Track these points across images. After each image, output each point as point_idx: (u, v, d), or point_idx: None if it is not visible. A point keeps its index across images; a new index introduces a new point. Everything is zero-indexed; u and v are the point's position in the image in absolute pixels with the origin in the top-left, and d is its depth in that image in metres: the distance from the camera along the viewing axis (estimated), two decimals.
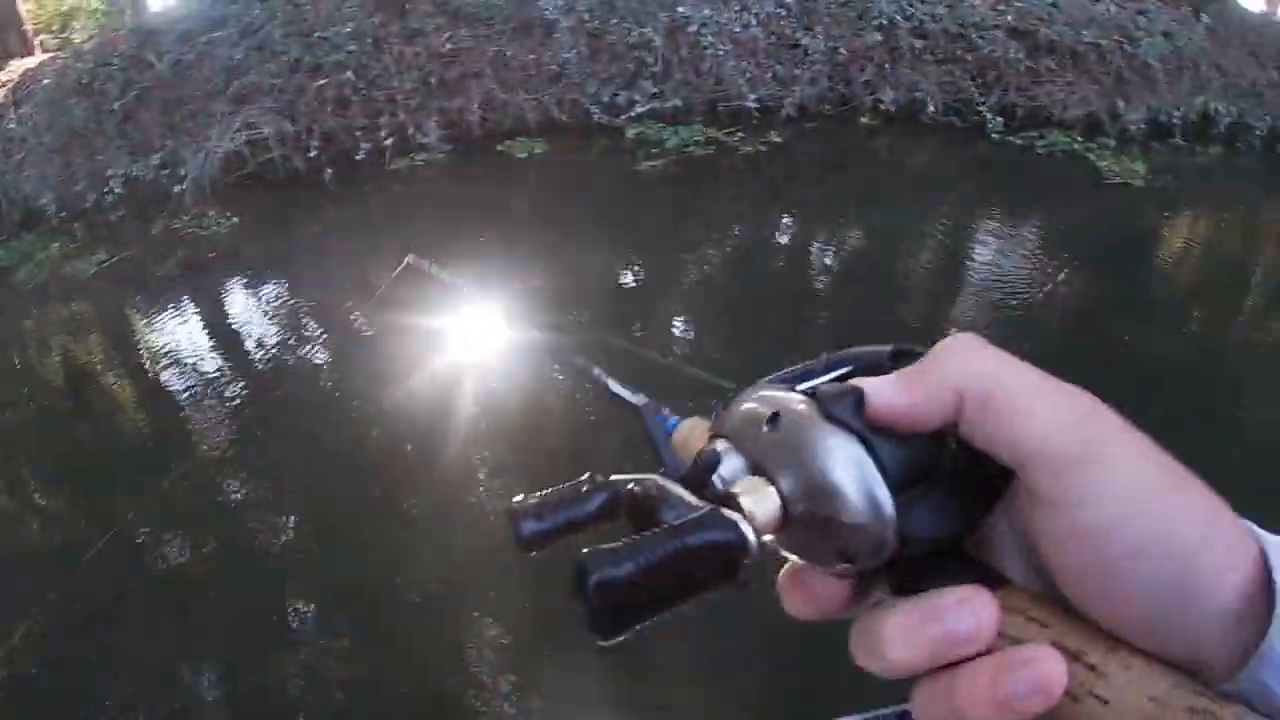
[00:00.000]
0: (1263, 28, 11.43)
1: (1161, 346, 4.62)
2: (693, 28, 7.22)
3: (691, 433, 0.52)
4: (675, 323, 4.42)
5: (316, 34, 7.16)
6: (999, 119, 7.65)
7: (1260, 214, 8.64)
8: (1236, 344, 5.18)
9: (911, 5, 7.85)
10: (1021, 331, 4.61)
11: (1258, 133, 10.43)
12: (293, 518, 3.26)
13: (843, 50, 7.35)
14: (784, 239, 5.68)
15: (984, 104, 7.67)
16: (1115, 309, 5.08)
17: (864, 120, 7.19)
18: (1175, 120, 9.17)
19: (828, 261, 5.43)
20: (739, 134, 6.48)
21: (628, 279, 4.88)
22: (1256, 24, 11.45)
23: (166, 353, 4.49)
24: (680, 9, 7.30)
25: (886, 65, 7.48)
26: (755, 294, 4.57)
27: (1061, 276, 5.45)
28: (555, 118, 6.93)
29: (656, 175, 5.93)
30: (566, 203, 5.65)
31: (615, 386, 0.59)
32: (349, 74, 6.86)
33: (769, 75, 7.17)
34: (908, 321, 4.40)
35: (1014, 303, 4.93)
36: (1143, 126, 8.73)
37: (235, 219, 5.87)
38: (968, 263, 5.57)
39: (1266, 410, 4.04)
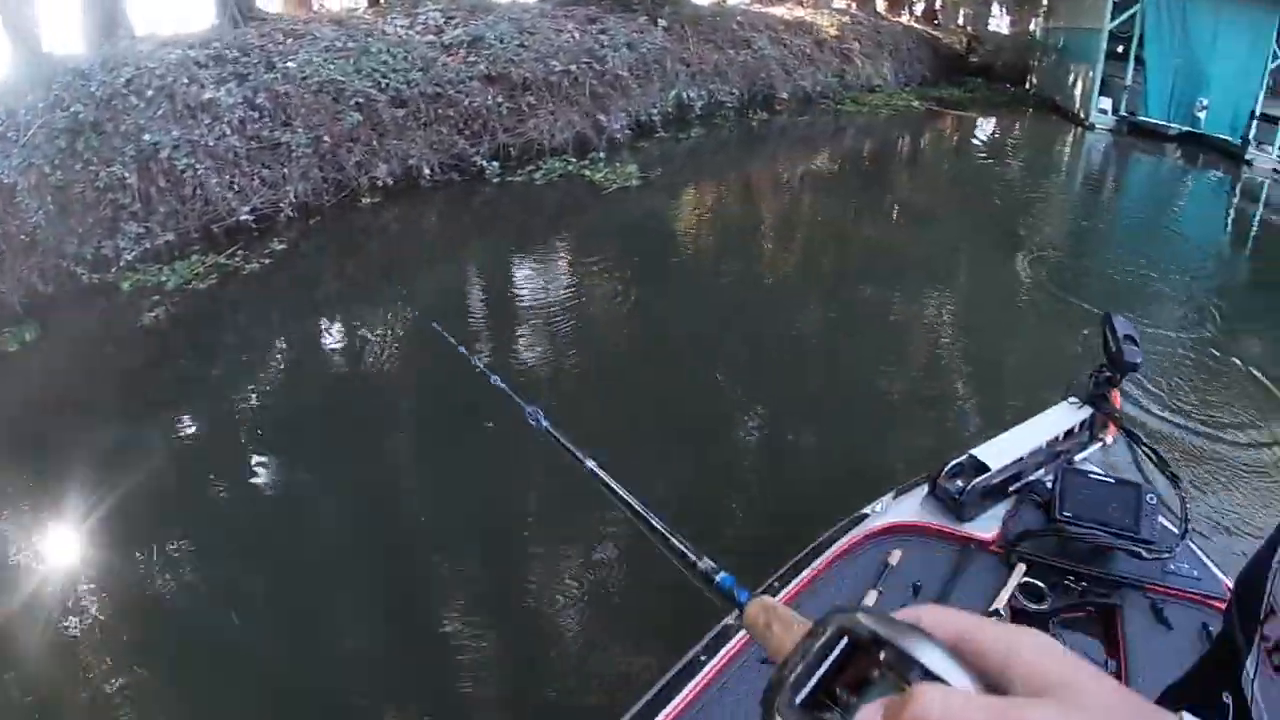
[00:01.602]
0: (713, 17, 13.37)
1: (682, 301, 5.48)
2: (165, 153, 6.93)
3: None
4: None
5: None
6: (494, 163, 8.11)
7: (737, 173, 10.23)
8: (754, 280, 6.23)
9: (385, 77, 8.11)
10: (582, 336, 5.14)
11: (729, 105, 12.24)
12: None
13: (326, 138, 7.45)
14: (325, 344, 5.60)
15: (477, 153, 8.13)
16: (646, 287, 5.88)
17: (366, 201, 7.35)
18: (655, 117, 10.46)
19: (376, 342, 5.47)
20: (239, 252, 6.37)
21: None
22: (708, 14, 13.34)
23: None
24: (146, 136, 7.01)
25: (374, 141, 7.72)
26: (317, 410, 4.49)
27: (592, 277, 6.13)
28: (41, 292, 6.38)
29: (164, 323, 5.65)
30: (64, 402, 5.02)
31: None
32: None
33: (257, 182, 7.06)
34: (481, 359, 4.59)
35: (559, 312, 5.35)
36: (627, 131, 9.80)
37: None
38: (514, 292, 5.88)
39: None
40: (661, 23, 11.72)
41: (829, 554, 2.09)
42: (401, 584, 3.10)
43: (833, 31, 15.73)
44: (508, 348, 5.02)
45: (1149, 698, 1.29)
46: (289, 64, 7.72)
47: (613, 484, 1.00)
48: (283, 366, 4.94)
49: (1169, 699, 1.33)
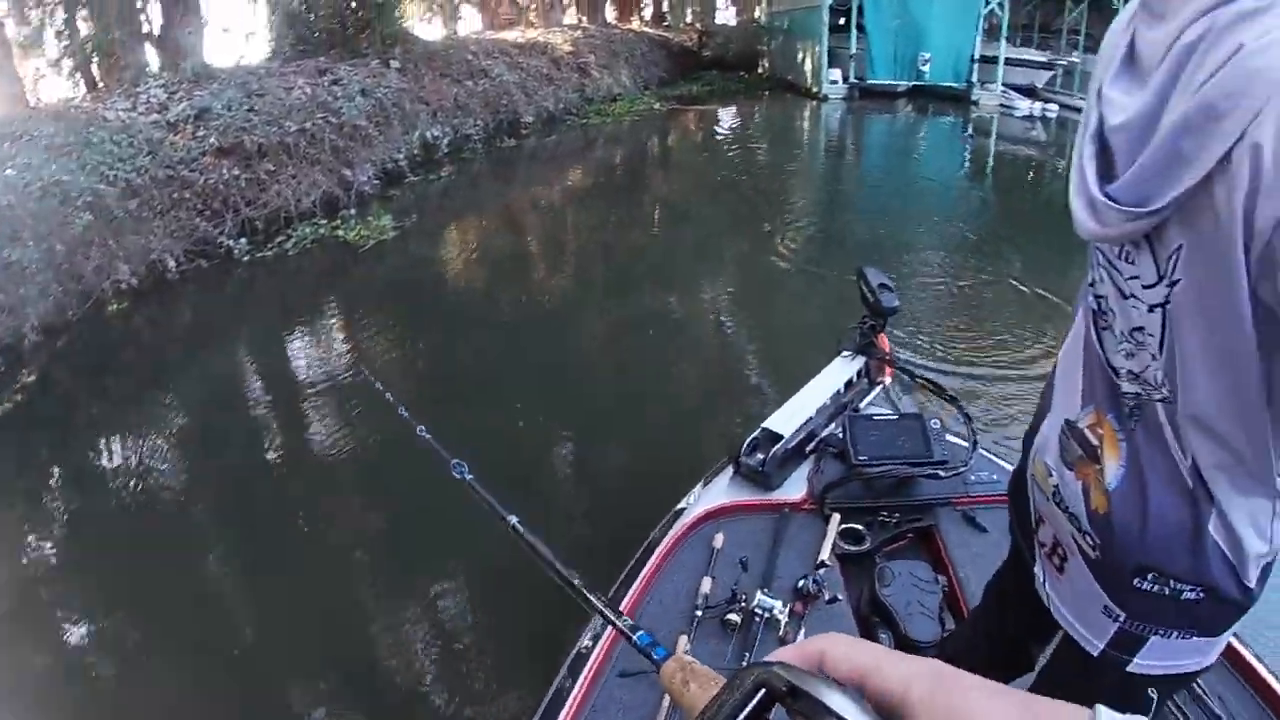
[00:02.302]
0: (446, 50, 13.53)
1: (460, 343, 5.56)
2: None
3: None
4: None
5: None
6: (242, 241, 7.90)
7: (494, 204, 10.48)
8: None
9: (112, 169, 7.68)
10: (365, 399, 4.98)
11: (475, 138, 12.47)
12: None
13: (59, 246, 7.02)
14: (99, 470, 5.26)
15: (221, 233, 7.87)
16: (420, 336, 6.00)
17: (114, 307, 6.96)
18: (402, 162, 10.50)
19: (149, 455, 5.22)
20: None
21: None
22: (439, 49, 13.47)
23: None
24: None
25: (110, 241, 7.33)
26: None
27: (364, 339, 6.09)
28: None
29: None
30: None
31: None
32: None
33: None
34: (270, 446, 4.52)
35: (336, 383, 5.34)
36: (376, 182, 9.78)
37: None
38: (286, 371, 5.67)
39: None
40: (394, 64, 11.76)
41: (658, 553, 2.16)
42: None
43: (567, 48, 16.30)
44: (288, 427, 5.03)
45: (977, 599, 1.68)
46: (8, 171, 7.18)
47: (534, 541, 1.07)
48: (62, 508, 4.70)
49: (991, 595, 1.53)
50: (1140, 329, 0.91)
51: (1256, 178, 0.70)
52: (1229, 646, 1.64)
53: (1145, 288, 0.88)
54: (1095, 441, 1.01)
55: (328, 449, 4.63)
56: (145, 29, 11.04)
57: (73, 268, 7.05)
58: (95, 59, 10.62)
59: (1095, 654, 1.07)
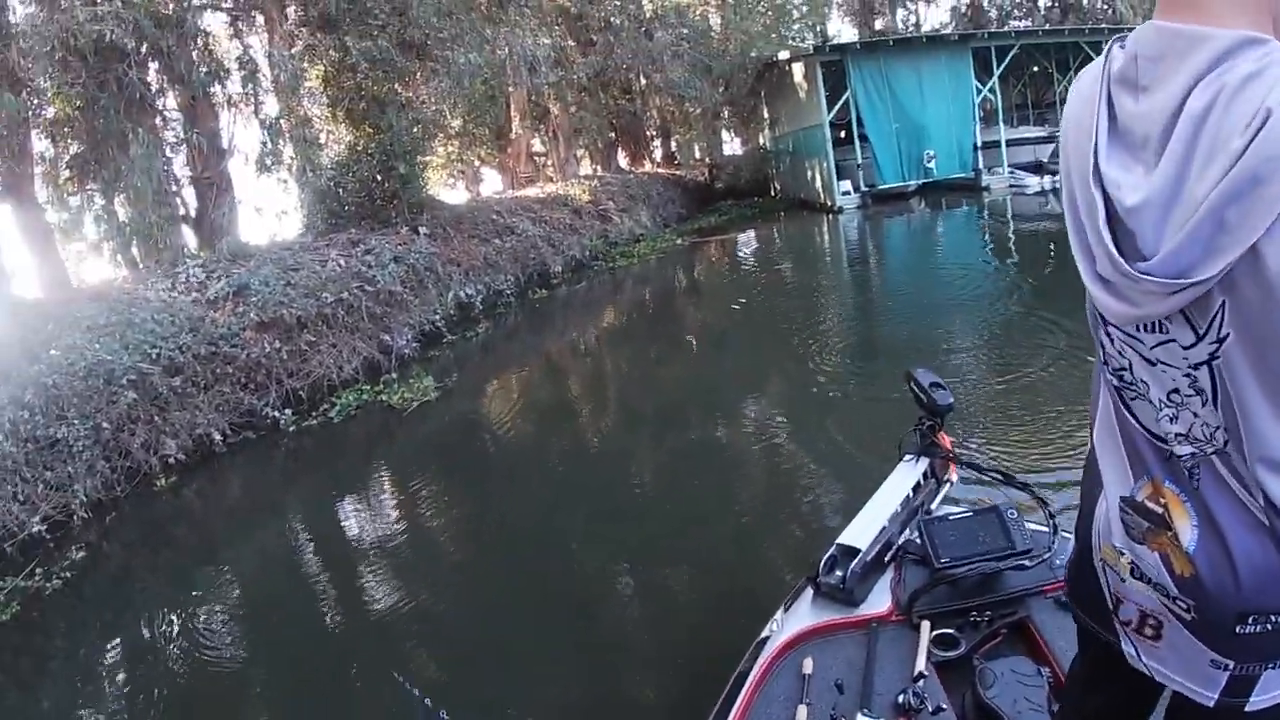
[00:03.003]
0: (471, 212, 13.99)
1: (515, 495, 5.40)
2: None
3: None
4: None
5: None
6: (287, 411, 7.97)
7: (533, 355, 10.56)
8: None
9: (155, 346, 7.83)
10: (427, 558, 5.11)
11: (508, 293, 12.73)
12: None
13: (105, 424, 7.10)
14: (155, 645, 5.14)
15: (266, 405, 7.96)
16: (473, 491, 5.78)
17: (162, 483, 6.99)
18: (439, 323, 10.70)
19: (210, 630, 5.08)
20: (37, 571, 5.82)
21: None
22: (465, 211, 13.90)
23: None
24: None
25: (156, 417, 7.43)
26: None
27: (417, 501, 5.96)
28: None
29: None
30: None
31: None
32: None
33: (42, 488, 6.55)
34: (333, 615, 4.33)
35: (394, 546, 5.19)
36: (415, 344, 9.92)
37: None
38: (340, 539, 5.58)
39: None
40: (423, 230, 12.15)
41: (748, 685, 2.08)
42: None
43: (586, 197, 16.89)
44: (353, 596, 4.85)
45: None
46: (53, 352, 7.36)
47: None
48: (118, 680, 4.53)
49: (1075, 691, 1.53)
50: (1176, 390, 0.95)
51: None
52: None
53: (1184, 348, 0.91)
54: (1159, 510, 1.02)
55: (379, 612, 4.45)
56: (181, 211, 11.60)
57: (119, 444, 7.12)
58: (135, 241, 11.09)
59: (1211, 704, 1.07)
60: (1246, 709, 1.05)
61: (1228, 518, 0.95)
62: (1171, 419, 0.96)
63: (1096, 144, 0.90)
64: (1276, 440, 0.88)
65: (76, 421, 6.94)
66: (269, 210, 13.32)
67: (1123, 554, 1.10)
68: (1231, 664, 1.02)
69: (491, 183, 22.35)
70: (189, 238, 11.85)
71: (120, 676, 4.42)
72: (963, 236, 14.71)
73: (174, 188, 11.64)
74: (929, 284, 10.79)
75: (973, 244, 13.49)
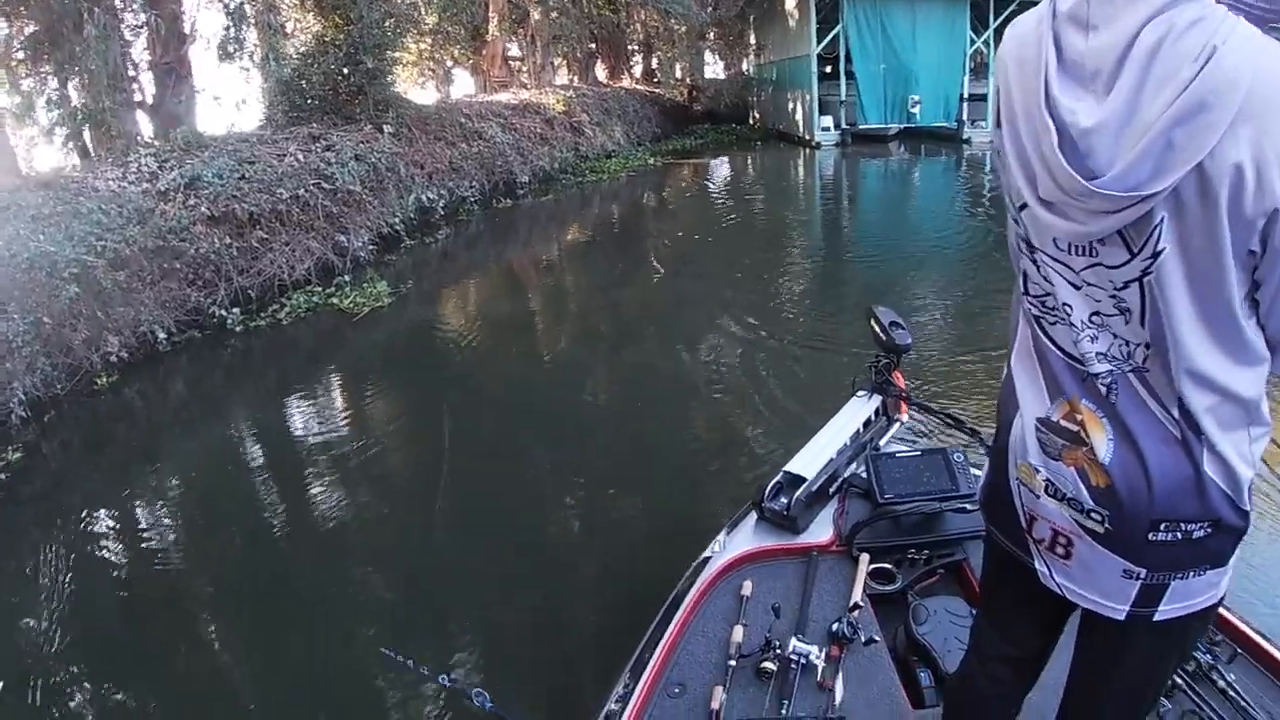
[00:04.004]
0: (439, 114, 13.48)
1: (465, 404, 5.34)
2: None
3: None
4: None
5: None
6: (235, 311, 7.71)
7: (493, 265, 10.35)
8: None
9: (101, 239, 7.54)
10: (373, 464, 4.99)
11: (471, 200, 12.39)
12: None
13: (46, 319, 6.85)
14: (94, 556, 5.05)
15: (214, 303, 7.69)
16: (424, 401, 5.68)
17: (103, 380, 6.76)
18: (398, 226, 10.37)
19: (148, 538, 4.99)
20: None
21: None
22: (432, 113, 13.36)
23: None
24: None
25: (99, 313, 7.15)
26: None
27: (365, 408, 5.83)
28: None
29: None
30: None
31: None
32: None
33: None
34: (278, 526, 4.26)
35: (342, 453, 5.08)
36: (371, 248, 9.62)
37: None
38: (285, 444, 5.48)
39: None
40: (387, 129, 11.67)
41: (686, 604, 2.12)
42: None
43: (560, 108, 16.37)
44: (296, 503, 4.75)
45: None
46: None
47: None
48: (57, 584, 4.44)
49: (987, 615, 1.53)
50: (1098, 312, 1.02)
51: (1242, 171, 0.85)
52: (1249, 638, 1.82)
53: (1111, 268, 0.97)
54: (1075, 427, 1.08)
55: (324, 521, 4.39)
56: (138, 98, 11.01)
57: (61, 340, 6.85)
58: (87, 128, 10.53)
59: (1122, 618, 1.12)
60: (1155, 618, 1.11)
61: (1143, 431, 1.02)
62: (1092, 339, 1.03)
63: (1047, 77, 0.96)
64: (1202, 352, 0.96)
65: (16, 316, 6.63)
66: (229, 99, 12.70)
67: (1038, 471, 1.15)
68: (1143, 572, 1.08)
69: (463, 85, 21.58)
70: (144, 126, 11.25)
71: (59, 580, 4.33)
72: (939, 185, 14.61)
73: (131, 72, 10.98)
74: (902, 229, 10.75)
75: (948, 191, 13.39)
